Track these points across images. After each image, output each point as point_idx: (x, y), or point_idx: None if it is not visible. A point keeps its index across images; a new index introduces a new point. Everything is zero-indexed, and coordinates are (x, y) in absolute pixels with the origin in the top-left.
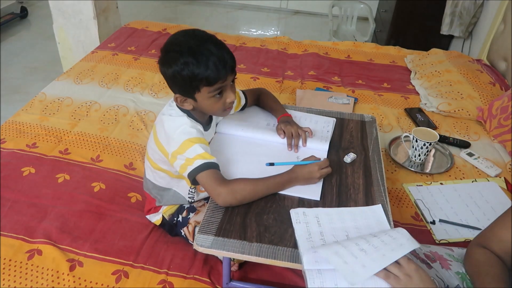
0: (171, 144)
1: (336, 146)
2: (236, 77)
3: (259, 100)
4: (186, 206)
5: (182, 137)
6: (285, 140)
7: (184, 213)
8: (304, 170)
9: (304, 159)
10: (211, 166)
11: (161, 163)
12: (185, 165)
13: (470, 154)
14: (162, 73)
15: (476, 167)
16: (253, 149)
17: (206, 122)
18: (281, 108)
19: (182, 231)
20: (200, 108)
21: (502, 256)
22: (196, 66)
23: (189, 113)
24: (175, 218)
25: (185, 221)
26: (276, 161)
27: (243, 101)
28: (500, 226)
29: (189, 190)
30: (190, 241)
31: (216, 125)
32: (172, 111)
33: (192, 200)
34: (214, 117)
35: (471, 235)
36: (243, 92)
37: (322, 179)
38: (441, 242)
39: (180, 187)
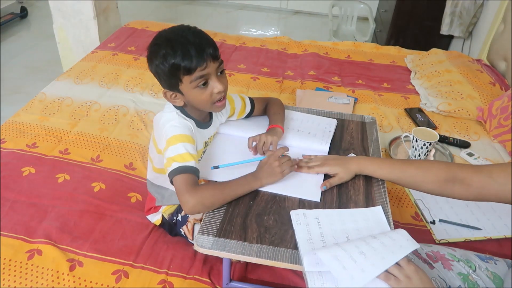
0: (161, 140)
1: (337, 147)
2: (222, 68)
3: (266, 108)
4: None
5: (169, 133)
6: (284, 141)
7: (183, 212)
8: (263, 165)
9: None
10: (186, 170)
11: (156, 163)
12: (166, 166)
13: (470, 154)
14: (150, 71)
15: None
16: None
17: (204, 119)
18: (278, 120)
19: (181, 230)
20: (190, 102)
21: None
22: (173, 56)
23: (182, 110)
24: (175, 217)
25: (185, 220)
26: None
27: (248, 108)
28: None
29: None
30: (189, 240)
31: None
32: (166, 107)
33: None
34: (214, 116)
35: (471, 235)
36: (251, 99)
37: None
38: (441, 242)
39: None
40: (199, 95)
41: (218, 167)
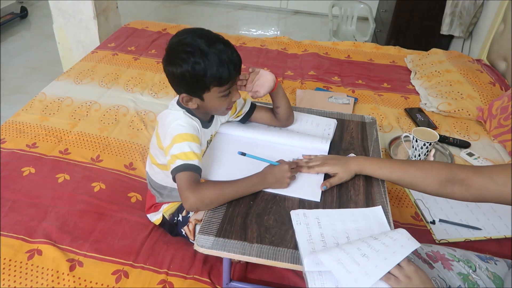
0: (166, 138)
1: (337, 147)
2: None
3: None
4: None
5: (174, 132)
6: (284, 141)
7: (184, 212)
8: (275, 171)
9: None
10: (189, 168)
11: (158, 158)
12: (169, 162)
13: (470, 154)
14: (168, 73)
15: None
16: (252, 149)
17: (207, 120)
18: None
19: (182, 230)
20: (205, 107)
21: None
22: (209, 67)
23: (188, 109)
24: (176, 218)
25: (186, 220)
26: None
27: (246, 108)
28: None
29: None
30: (190, 240)
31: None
32: (171, 106)
33: None
34: (215, 115)
35: (471, 235)
36: (253, 103)
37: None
38: (441, 242)
39: (174, 184)
40: (220, 103)
41: (245, 155)
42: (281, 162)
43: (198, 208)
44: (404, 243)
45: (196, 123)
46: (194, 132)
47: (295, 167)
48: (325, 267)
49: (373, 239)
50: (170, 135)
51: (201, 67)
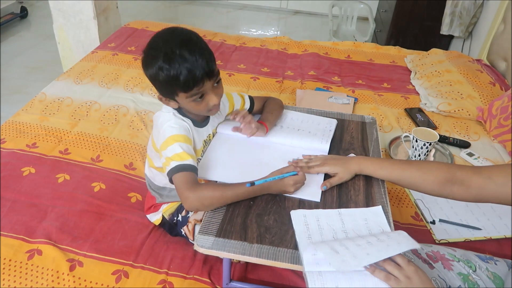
0: (159, 140)
1: (337, 147)
2: (219, 78)
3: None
4: None
5: (166, 134)
6: (284, 141)
7: (184, 212)
8: (279, 184)
9: (283, 168)
10: (185, 169)
11: (155, 161)
12: (164, 164)
13: (470, 154)
14: (144, 74)
15: None
16: (252, 149)
17: (201, 119)
18: (268, 118)
19: (182, 230)
20: (185, 109)
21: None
22: (169, 73)
23: (179, 110)
24: (175, 218)
25: (185, 220)
26: (271, 161)
27: (247, 105)
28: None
29: None
30: (190, 240)
31: (218, 124)
32: (164, 107)
33: None
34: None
35: (471, 235)
36: (251, 97)
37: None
38: (441, 242)
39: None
40: (194, 106)
41: (254, 184)
42: (290, 169)
43: (198, 208)
44: (402, 242)
45: (187, 123)
46: (185, 132)
47: (302, 182)
48: (325, 268)
49: (370, 236)
50: (162, 137)
51: (164, 72)
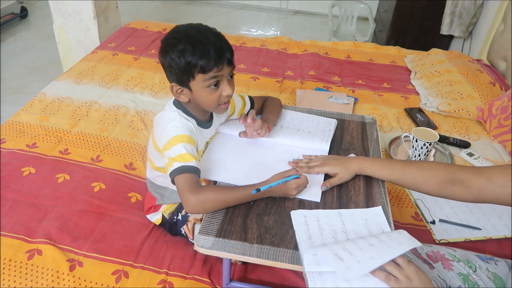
0: (162, 140)
1: (337, 147)
2: (234, 73)
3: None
4: None
5: (170, 134)
6: (284, 141)
7: (184, 211)
8: (281, 188)
9: (285, 172)
10: (188, 170)
11: (156, 161)
12: (167, 165)
13: (470, 154)
14: (161, 64)
15: None
16: (252, 149)
17: (206, 119)
18: (268, 119)
19: (182, 229)
20: (195, 99)
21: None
22: (192, 53)
23: (184, 109)
24: (175, 217)
25: (185, 219)
26: (271, 161)
27: (248, 106)
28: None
29: None
30: (190, 239)
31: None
32: (167, 107)
33: None
34: (215, 116)
35: (471, 235)
36: (251, 97)
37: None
38: (441, 242)
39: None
40: (208, 94)
41: (260, 190)
42: (292, 172)
43: (198, 211)
44: (403, 241)
45: (191, 123)
46: (189, 133)
47: (304, 186)
48: (325, 268)
49: (371, 237)
50: (166, 137)
51: (186, 53)
